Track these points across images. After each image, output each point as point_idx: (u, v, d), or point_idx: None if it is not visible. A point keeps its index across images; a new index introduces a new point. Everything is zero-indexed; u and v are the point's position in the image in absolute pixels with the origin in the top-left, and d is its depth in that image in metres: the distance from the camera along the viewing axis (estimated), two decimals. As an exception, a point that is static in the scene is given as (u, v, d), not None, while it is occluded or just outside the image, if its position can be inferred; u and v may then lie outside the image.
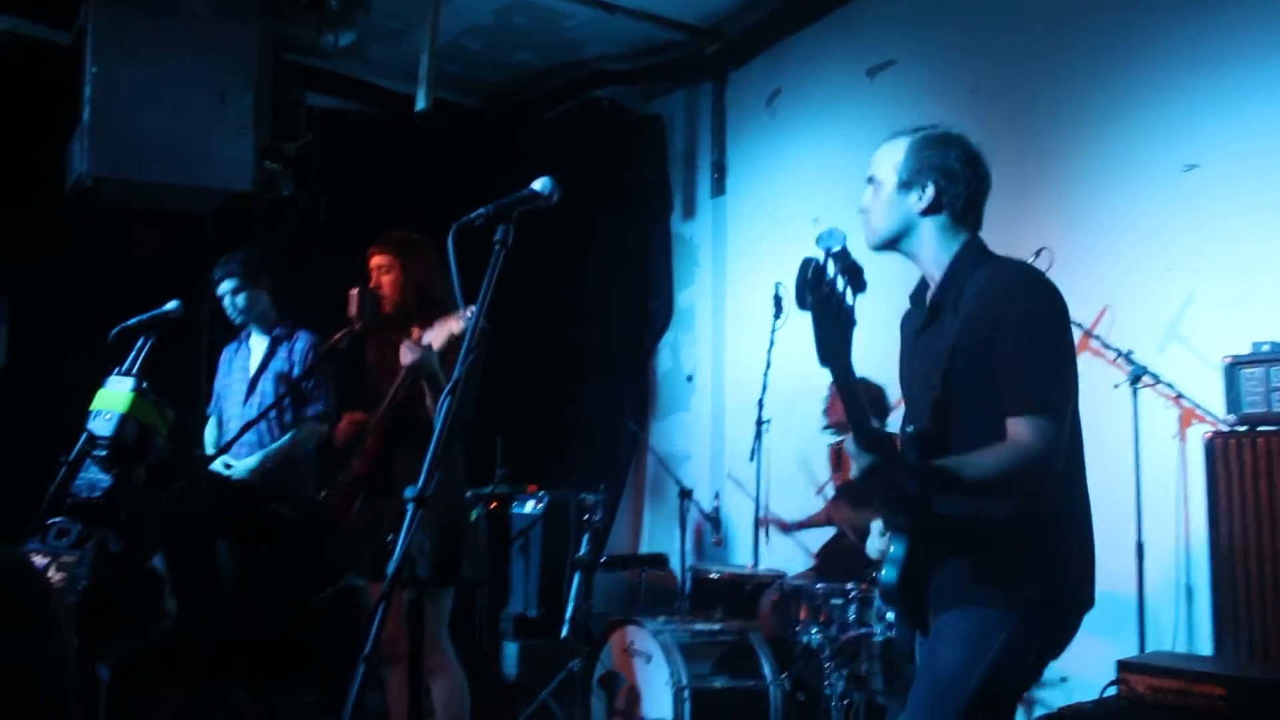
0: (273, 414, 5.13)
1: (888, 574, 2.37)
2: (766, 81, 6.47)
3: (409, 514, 2.07)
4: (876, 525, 2.68)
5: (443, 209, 2.38)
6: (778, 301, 5.19)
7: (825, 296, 2.09)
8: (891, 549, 2.37)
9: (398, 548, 2.06)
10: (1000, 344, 2.35)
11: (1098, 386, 4.57)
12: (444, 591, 3.81)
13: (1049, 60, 5.05)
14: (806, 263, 2.14)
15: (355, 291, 3.81)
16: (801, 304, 2.16)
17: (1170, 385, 4.26)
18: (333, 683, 5.25)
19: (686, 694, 4.18)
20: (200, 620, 5.25)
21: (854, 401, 2.22)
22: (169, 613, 2.47)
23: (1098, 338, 4.45)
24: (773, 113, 6.42)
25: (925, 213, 2.52)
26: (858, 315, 2.10)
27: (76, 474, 2.60)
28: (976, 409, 2.38)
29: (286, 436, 5.07)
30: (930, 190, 2.51)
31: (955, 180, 2.51)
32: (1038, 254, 4.44)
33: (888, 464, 2.23)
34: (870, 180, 2.60)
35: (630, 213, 7.10)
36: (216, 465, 5.00)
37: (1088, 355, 4.69)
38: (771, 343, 5.33)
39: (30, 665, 1.21)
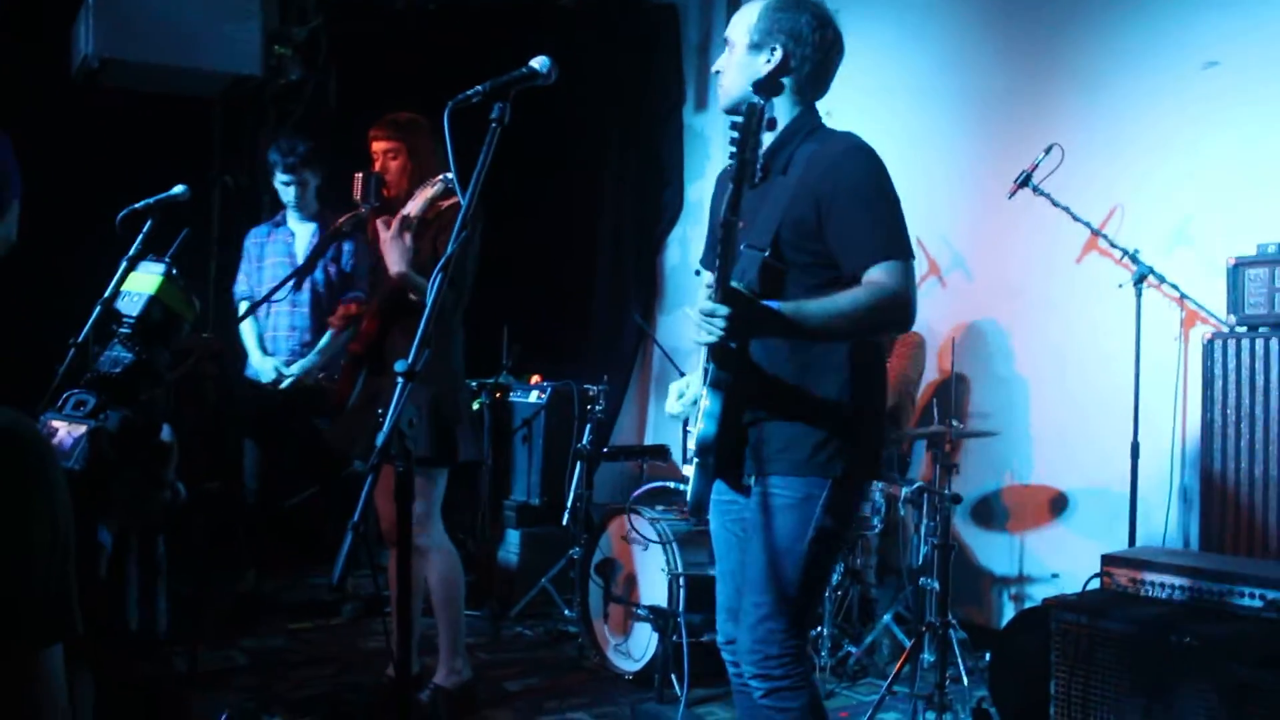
0: (312, 298, 5.11)
1: (706, 428, 2.45)
2: (783, -29, 6.34)
3: (398, 388, 2.10)
4: (675, 386, 2.74)
5: (452, 96, 2.36)
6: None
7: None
8: (709, 404, 2.45)
9: (387, 422, 2.10)
10: (834, 213, 2.46)
11: (1102, 285, 4.57)
12: (438, 473, 3.86)
13: (1067, -49, 4.93)
14: (754, 107, 2.30)
15: (360, 175, 3.84)
16: (741, 151, 2.29)
17: (1174, 286, 4.24)
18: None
19: (681, 581, 4.25)
20: (208, 502, 5.37)
21: (729, 257, 2.34)
22: (173, 485, 2.51)
23: (1105, 236, 4.42)
24: (788, 4, 6.30)
25: (768, 80, 2.52)
26: None
27: (90, 350, 2.65)
28: (803, 276, 2.49)
29: (329, 333, 5.06)
30: (778, 53, 2.54)
31: (803, 44, 2.55)
32: (1048, 150, 4.42)
33: (744, 314, 2.30)
34: (725, 42, 2.63)
35: (642, 103, 7.02)
36: (269, 372, 5.04)
37: (1094, 254, 4.68)
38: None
39: (22, 521, 1.24)
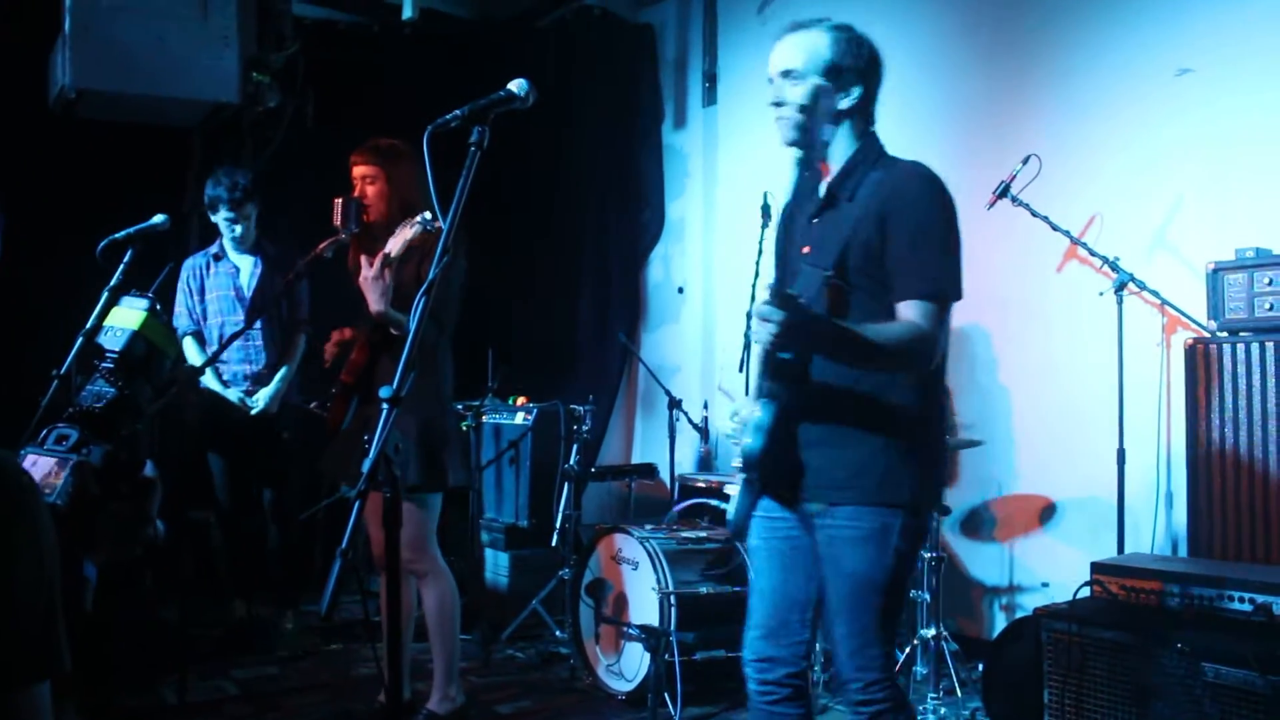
0: (265, 331, 5.17)
1: (754, 441, 2.46)
2: (759, -11, 6.38)
3: (383, 414, 2.10)
4: (729, 408, 2.75)
5: (431, 120, 2.36)
6: (765, 211, 5.17)
7: None
8: (758, 416, 2.46)
9: (372, 449, 2.09)
10: (893, 239, 2.47)
11: (1083, 293, 4.60)
12: (431, 498, 3.86)
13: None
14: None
15: (340, 200, 3.84)
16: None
17: (1155, 293, 4.26)
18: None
19: (672, 600, 4.25)
20: (195, 532, 5.37)
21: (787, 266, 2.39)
22: (154, 522, 2.50)
23: (1084, 245, 4.44)
24: (764, 21, 6.32)
25: (849, 111, 2.59)
26: None
27: (72, 383, 2.64)
28: (866, 300, 2.51)
29: (298, 353, 5.16)
30: (856, 91, 2.59)
31: (869, 76, 2.61)
32: (1026, 160, 4.44)
33: (797, 320, 2.30)
34: (788, 74, 2.61)
35: (621, 123, 7.03)
36: (231, 398, 5.10)
37: (1074, 263, 4.70)
38: (760, 252, 5.31)
39: (7, 557, 1.23)
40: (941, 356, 2.54)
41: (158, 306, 2.44)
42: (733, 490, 2.60)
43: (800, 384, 2.47)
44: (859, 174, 2.58)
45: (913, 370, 2.51)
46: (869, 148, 2.63)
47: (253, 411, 5.09)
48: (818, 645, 4.46)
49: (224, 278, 5.20)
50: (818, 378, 2.52)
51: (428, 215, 3.61)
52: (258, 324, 5.14)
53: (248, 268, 5.21)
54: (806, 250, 2.45)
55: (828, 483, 2.53)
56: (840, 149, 2.62)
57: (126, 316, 2.41)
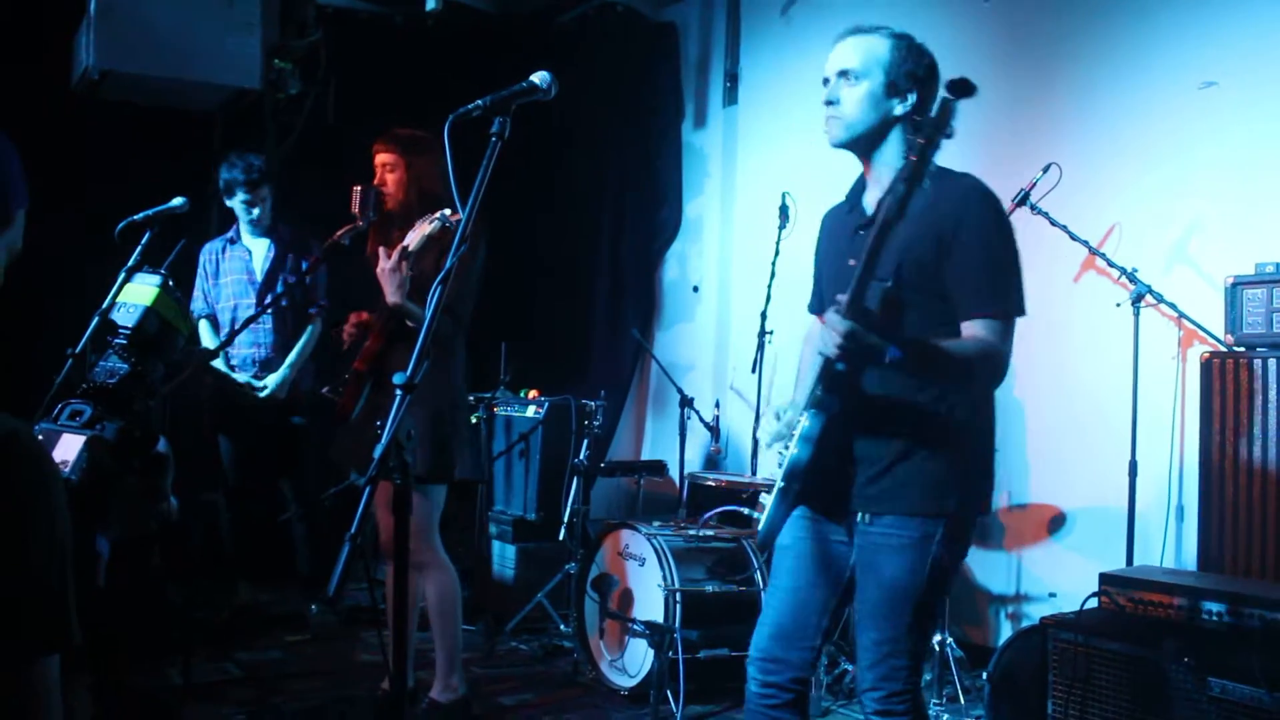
0: (275, 316, 5.18)
1: (800, 451, 2.44)
2: (783, -10, 6.37)
3: (396, 401, 2.10)
4: (772, 408, 2.71)
5: (451, 111, 2.36)
6: (784, 212, 5.16)
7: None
8: (808, 425, 2.44)
9: (384, 435, 2.09)
10: (958, 254, 2.46)
11: (1100, 304, 4.58)
12: (436, 489, 3.87)
13: (1067, -30, 4.95)
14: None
15: (359, 188, 3.84)
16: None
17: (1172, 305, 4.24)
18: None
19: (678, 597, 4.24)
20: (203, 513, 5.38)
21: (868, 276, 2.30)
22: (169, 498, 2.51)
23: (1103, 255, 4.43)
24: (787, 22, 6.32)
25: (902, 118, 2.57)
26: None
27: (86, 361, 2.65)
28: (922, 312, 2.49)
29: (303, 340, 5.16)
30: (913, 97, 2.57)
31: (925, 90, 2.58)
32: (1046, 169, 4.42)
33: (866, 332, 2.29)
34: (845, 74, 2.59)
35: (641, 120, 7.03)
36: (239, 382, 5.11)
37: (1092, 273, 4.68)
38: (776, 253, 5.32)
39: (21, 530, 1.23)
40: (1008, 367, 2.52)
41: (170, 282, 2.44)
42: (766, 499, 2.57)
43: (853, 395, 2.45)
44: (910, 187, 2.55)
45: (984, 386, 2.51)
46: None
47: (260, 395, 5.10)
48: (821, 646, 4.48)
49: (238, 261, 5.22)
50: (872, 390, 2.50)
51: (446, 212, 3.64)
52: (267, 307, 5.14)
53: (261, 251, 5.22)
54: (853, 263, 2.43)
55: (874, 494, 2.52)
56: (890, 156, 2.58)
57: (139, 293, 2.42)
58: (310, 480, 5.36)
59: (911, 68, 2.56)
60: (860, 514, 2.54)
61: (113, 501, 2.32)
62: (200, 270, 5.27)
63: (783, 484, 2.49)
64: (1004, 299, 2.48)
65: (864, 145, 2.59)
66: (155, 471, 2.42)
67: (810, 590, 2.65)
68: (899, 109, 2.57)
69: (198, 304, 5.23)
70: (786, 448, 2.50)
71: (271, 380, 5.11)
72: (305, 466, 5.33)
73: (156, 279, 2.46)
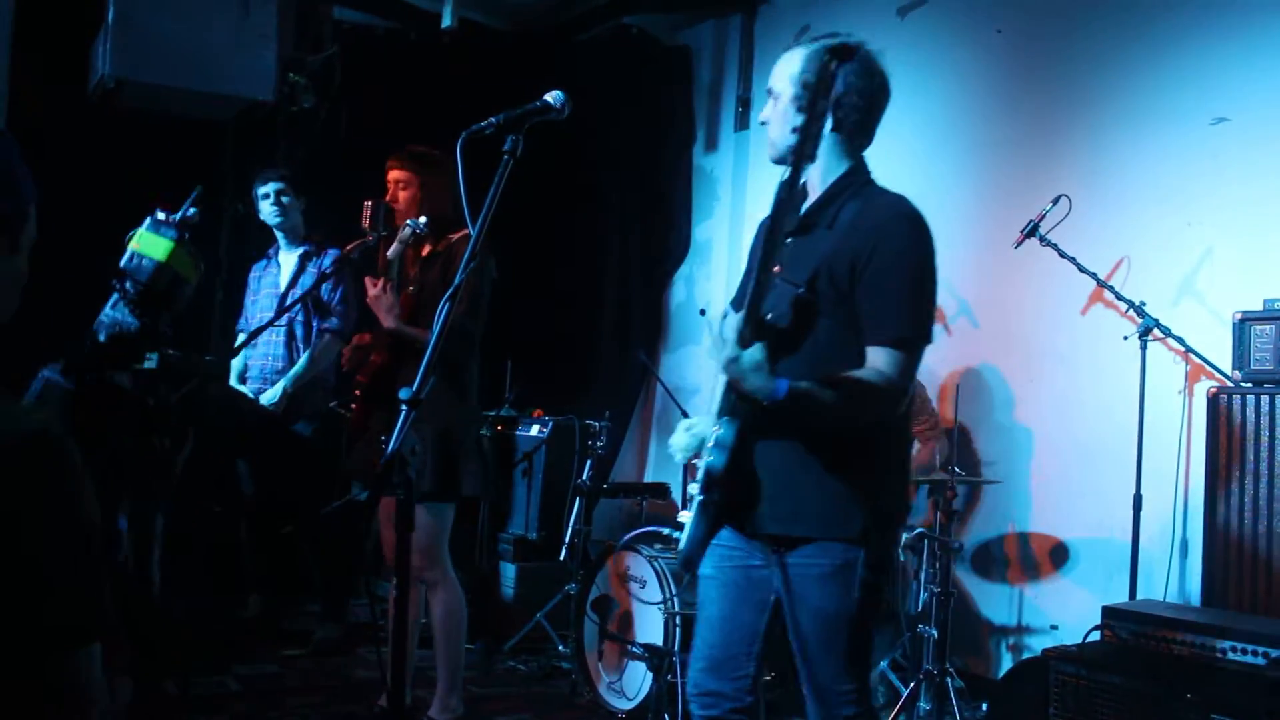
0: (298, 329, 5.16)
1: (715, 458, 2.36)
2: (796, 17, 6.38)
3: (401, 415, 2.10)
4: (684, 423, 2.66)
5: (464, 129, 2.36)
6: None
7: None
8: (721, 432, 2.37)
9: (388, 450, 2.09)
10: (871, 276, 2.39)
11: (1107, 337, 4.57)
12: (444, 506, 3.86)
13: (1079, 4, 4.97)
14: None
15: (369, 203, 3.87)
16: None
17: (1180, 340, 4.23)
18: (336, 593, 5.35)
19: (678, 620, 4.23)
20: (215, 526, 5.36)
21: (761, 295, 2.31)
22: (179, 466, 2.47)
23: (1110, 288, 4.43)
24: (801, 48, 6.34)
25: (824, 135, 2.43)
26: None
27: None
28: (833, 325, 2.43)
29: (304, 359, 5.13)
30: (823, 105, 2.40)
31: (848, 94, 2.46)
32: (1056, 201, 4.43)
33: (746, 359, 2.26)
34: (769, 92, 2.58)
35: (652, 142, 7.05)
36: (247, 394, 5.11)
37: (1099, 305, 4.68)
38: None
39: (55, 523, 1.23)
40: (909, 398, 2.47)
41: (186, 236, 2.40)
42: (685, 518, 2.47)
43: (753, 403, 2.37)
44: (840, 200, 2.49)
45: (878, 419, 2.44)
46: (852, 174, 2.53)
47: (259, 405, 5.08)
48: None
49: (271, 276, 5.29)
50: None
51: (421, 220, 3.71)
52: (282, 322, 5.14)
53: (290, 266, 5.25)
54: (778, 270, 2.39)
55: (786, 512, 2.45)
56: (824, 171, 2.52)
57: (154, 245, 2.36)
58: (317, 500, 5.31)
59: (810, 79, 2.35)
60: (775, 531, 2.47)
61: (125, 465, 2.32)
62: (248, 287, 5.36)
63: (701, 496, 2.39)
64: (908, 327, 2.41)
65: (794, 160, 2.36)
66: (154, 424, 2.40)
67: (735, 619, 2.58)
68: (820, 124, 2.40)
69: (243, 320, 5.30)
70: (701, 459, 2.44)
71: (266, 395, 5.08)
72: (312, 487, 5.26)
73: (173, 232, 2.41)
